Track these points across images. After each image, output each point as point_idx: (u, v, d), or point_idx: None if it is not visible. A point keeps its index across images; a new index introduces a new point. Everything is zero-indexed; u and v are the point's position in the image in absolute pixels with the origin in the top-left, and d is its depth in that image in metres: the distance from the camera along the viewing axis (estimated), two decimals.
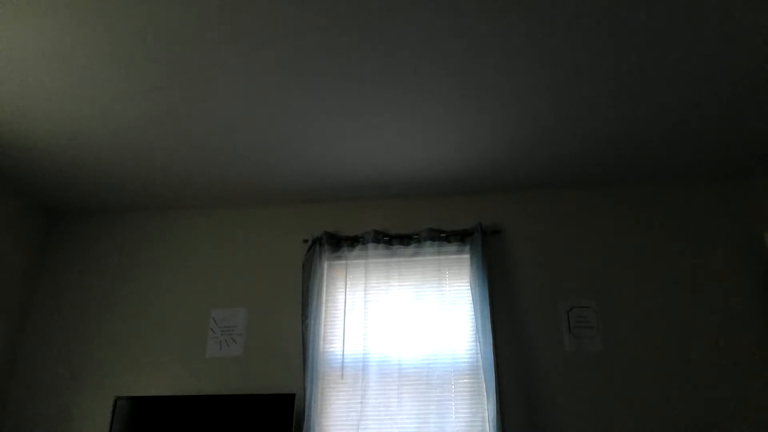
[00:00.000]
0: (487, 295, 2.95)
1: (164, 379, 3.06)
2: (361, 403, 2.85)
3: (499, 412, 2.80)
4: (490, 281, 3.10)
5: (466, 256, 3.17)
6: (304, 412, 2.80)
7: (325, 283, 3.17)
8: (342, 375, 2.97)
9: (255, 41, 2.21)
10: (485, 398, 2.78)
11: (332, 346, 3.06)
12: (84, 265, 3.39)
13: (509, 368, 2.92)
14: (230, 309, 3.20)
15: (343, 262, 3.25)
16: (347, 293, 3.15)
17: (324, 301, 3.14)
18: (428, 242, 3.15)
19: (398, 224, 3.31)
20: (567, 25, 2.15)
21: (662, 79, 2.44)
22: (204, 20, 2.12)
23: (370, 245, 3.16)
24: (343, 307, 3.12)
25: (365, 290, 3.12)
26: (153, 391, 3.03)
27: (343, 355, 3.01)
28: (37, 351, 3.19)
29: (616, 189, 3.29)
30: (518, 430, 2.79)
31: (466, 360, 2.94)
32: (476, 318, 2.90)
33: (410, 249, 3.18)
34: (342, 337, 3.05)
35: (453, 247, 3.17)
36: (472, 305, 3.02)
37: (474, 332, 2.99)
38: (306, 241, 3.28)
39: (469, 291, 3.06)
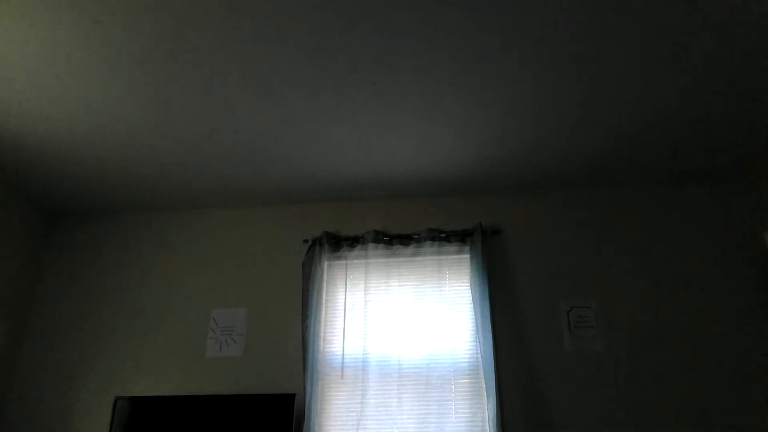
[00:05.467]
0: (487, 295, 2.95)
1: (164, 379, 3.06)
2: (361, 403, 2.85)
3: (499, 412, 2.80)
4: (490, 281, 3.10)
5: (466, 256, 3.17)
6: (304, 412, 2.80)
7: (325, 283, 3.17)
8: (342, 375, 2.97)
9: (255, 42, 2.22)
10: (485, 398, 2.78)
11: (332, 346, 3.06)
12: (84, 265, 3.39)
13: (509, 368, 2.92)
14: (230, 309, 3.20)
15: (343, 262, 3.25)
16: (347, 293, 3.15)
17: (324, 301, 3.14)
18: (428, 242, 3.15)
19: (398, 224, 3.31)
20: (568, 26, 2.15)
21: (662, 79, 2.44)
22: (204, 22, 2.12)
23: (370, 245, 3.16)
24: (343, 307, 3.12)
25: (365, 290, 3.12)
26: (153, 391, 3.03)
27: (343, 355, 3.01)
28: (37, 351, 3.19)
29: (616, 189, 3.28)
30: (518, 430, 2.79)
31: (466, 360, 2.94)
32: (476, 318, 2.90)
33: (410, 249, 3.18)
34: (342, 337, 3.05)
35: (453, 247, 3.17)
36: (472, 305, 3.02)
37: (474, 332, 2.99)
38: (306, 241, 3.28)
39: (469, 291, 3.06)
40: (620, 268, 3.09)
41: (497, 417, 2.69)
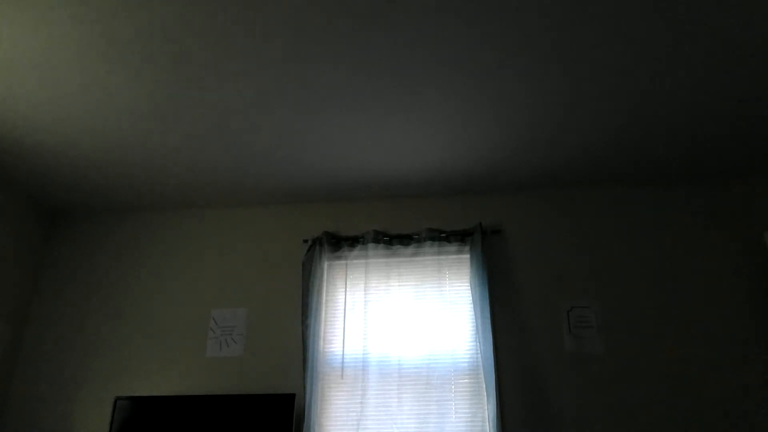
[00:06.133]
0: (487, 295, 2.95)
1: (164, 379, 3.06)
2: (361, 403, 2.85)
3: (499, 412, 2.80)
4: (490, 281, 3.10)
5: (466, 256, 3.17)
6: (304, 412, 2.80)
7: (325, 283, 3.17)
8: (342, 375, 2.97)
9: (255, 42, 2.21)
10: (485, 398, 2.78)
11: (332, 346, 3.06)
12: (84, 266, 3.39)
13: (509, 368, 2.92)
14: (230, 309, 3.20)
15: (343, 262, 3.25)
16: (347, 293, 3.15)
17: (324, 301, 3.14)
18: (428, 242, 3.15)
19: (398, 224, 3.31)
20: (568, 28, 2.15)
21: (662, 79, 2.44)
22: (203, 20, 2.12)
23: (370, 245, 3.16)
24: (343, 307, 3.12)
25: (365, 290, 3.12)
26: (153, 391, 3.03)
27: (343, 355, 3.01)
28: (38, 351, 3.19)
29: (617, 189, 3.28)
30: (518, 430, 2.79)
31: (466, 360, 2.94)
32: (476, 318, 2.90)
33: (410, 249, 3.18)
34: (342, 337, 3.05)
35: (453, 247, 3.17)
36: (472, 305, 3.02)
37: (474, 332, 2.99)
38: (306, 241, 3.28)
39: (469, 291, 3.06)
40: (620, 268, 3.09)
41: (497, 417, 2.69)
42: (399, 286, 3.13)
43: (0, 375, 3.06)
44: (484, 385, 2.80)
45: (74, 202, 3.40)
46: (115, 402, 2.83)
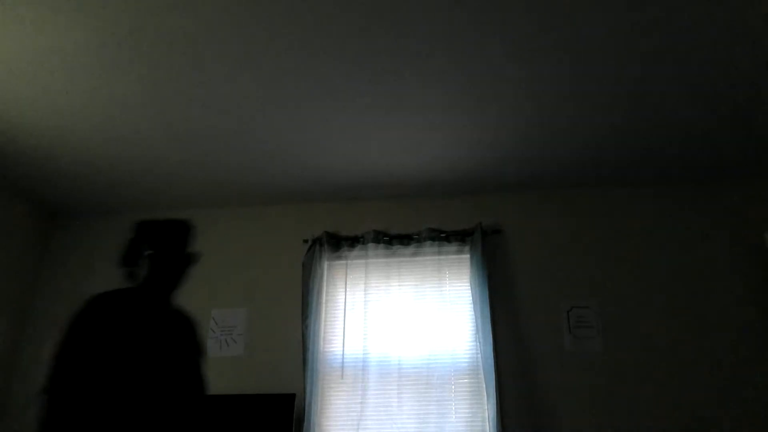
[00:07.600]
0: (487, 295, 2.95)
1: None
2: (361, 403, 2.85)
3: (499, 412, 2.79)
4: (490, 281, 3.10)
5: (466, 256, 3.17)
6: (304, 412, 2.80)
7: (325, 283, 3.17)
8: (342, 375, 2.97)
9: (255, 43, 2.21)
10: (485, 398, 2.78)
11: (332, 346, 3.06)
12: (84, 266, 3.39)
13: (509, 368, 2.92)
14: (230, 309, 3.20)
15: (343, 262, 3.25)
16: (347, 293, 3.15)
17: (324, 301, 3.14)
18: (428, 242, 3.15)
19: (398, 224, 3.31)
20: (568, 28, 2.15)
21: (663, 80, 2.44)
22: (203, 22, 2.12)
23: (370, 245, 3.16)
24: (343, 307, 3.12)
25: (365, 290, 3.12)
26: None
27: (343, 355, 3.01)
28: (38, 351, 3.19)
29: (616, 189, 3.28)
30: (518, 430, 2.79)
31: (466, 360, 2.94)
32: (476, 318, 2.90)
33: (410, 249, 3.18)
34: (342, 337, 3.05)
35: (453, 247, 3.17)
36: (472, 305, 3.02)
37: (474, 332, 2.99)
38: (306, 241, 3.28)
39: (469, 291, 3.06)
40: (620, 268, 3.09)
41: (497, 417, 2.69)
42: (399, 286, 3.13)
43: (0, 375, 3.06)
44: (484, 385, 2.80)
45: (73, 202, 3.40)
46: None
